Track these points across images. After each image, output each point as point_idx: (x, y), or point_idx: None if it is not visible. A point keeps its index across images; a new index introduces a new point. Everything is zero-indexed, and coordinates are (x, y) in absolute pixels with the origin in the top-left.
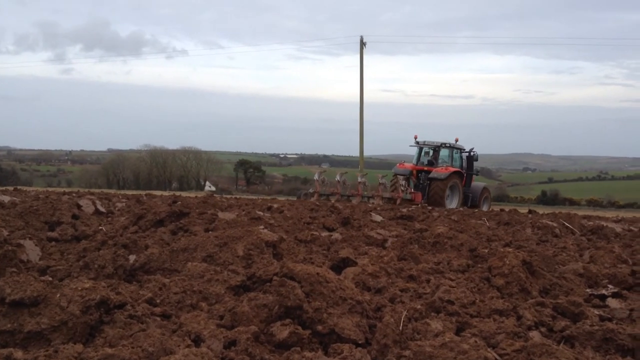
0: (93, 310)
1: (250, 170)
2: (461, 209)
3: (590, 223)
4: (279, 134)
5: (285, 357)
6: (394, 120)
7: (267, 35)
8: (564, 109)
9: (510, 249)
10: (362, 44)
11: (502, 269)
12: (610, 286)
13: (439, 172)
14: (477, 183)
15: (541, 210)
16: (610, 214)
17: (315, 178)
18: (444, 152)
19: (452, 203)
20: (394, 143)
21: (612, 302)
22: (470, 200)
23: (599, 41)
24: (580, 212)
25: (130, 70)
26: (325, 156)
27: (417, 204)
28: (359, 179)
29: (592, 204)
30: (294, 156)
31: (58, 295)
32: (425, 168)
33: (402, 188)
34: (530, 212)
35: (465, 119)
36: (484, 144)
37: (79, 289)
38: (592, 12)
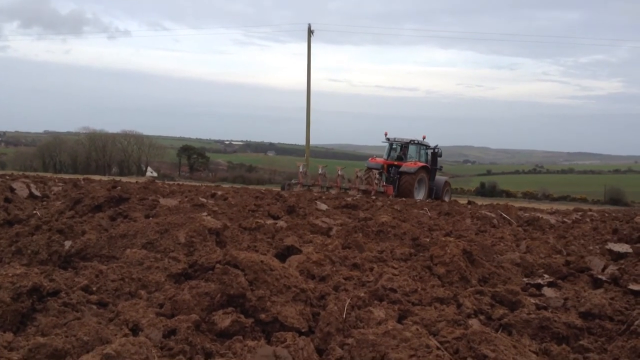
0: (25, 297)
1: (194, 156)
2: (427, 200)
3: (527, 214)
4: (224, 120)
5: (226, 346)
6: (340, 110)
7: (212, 18)
8: (504, 104)
9: (451, 239)
10: (310, 31)
11: (443, 257)
12: (545, 275)
13: (409, 166)
14: (440, 177)
15: (480, 201)
16: (545, 206)
17: (299, 170)
18: (412, 149)
19: (420, 195)
20: (340, 132)
21: (548, 291)
22: (435, 193)
23: (537, 38)
24: (517, 204)
25: (70, 50)
26: (271, 144)
27: (389, 196)
28: (339, 172)
29: (528, 196)
30: (240, 143)
31: None
32: (395, 163)
33: (376, 181)
34: (469, 203)
35: (409, 111)
36: (427, 136)
37: (10, 275)
38: (532, 10)
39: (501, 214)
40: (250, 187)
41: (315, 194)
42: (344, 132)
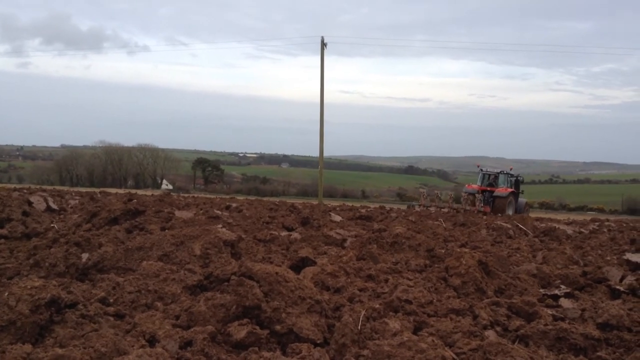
0: (43, 309)
1: (208, 168)
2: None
3: (543, 225)
4: (238, 132)
5: (242, 357)
6: (352, 121)
7: (225, 33)
8: (517, 114)
9: (466, 250)
10: (323, 44)
11: (459, 269)
12: (562, 286)
13: (501, 191)
14: (521, 199)
15: None
16: (561, 216)
17: (425, 195)
18: (501, 177)
19: (509, 212)
20: (353, 144)
21: (565, 302)
22: (518, 211)
23: (548, 48)
24: (533, 215)
25: (90, 65)
26: (285, 156)
27: (487, 214)
28: (450, 195)
29: (544, 206)
30: (254, 155)
31: (6, 294)
32: (488, 188)
33: (478, 202)
34: (485, 213)
35: (421, 122)
36: (441, 147)
37: (29, 287)
38: (542, 20)
39: (517, 225)
40: (265, 199)
41: (433, 212)
42: (357, 143)
